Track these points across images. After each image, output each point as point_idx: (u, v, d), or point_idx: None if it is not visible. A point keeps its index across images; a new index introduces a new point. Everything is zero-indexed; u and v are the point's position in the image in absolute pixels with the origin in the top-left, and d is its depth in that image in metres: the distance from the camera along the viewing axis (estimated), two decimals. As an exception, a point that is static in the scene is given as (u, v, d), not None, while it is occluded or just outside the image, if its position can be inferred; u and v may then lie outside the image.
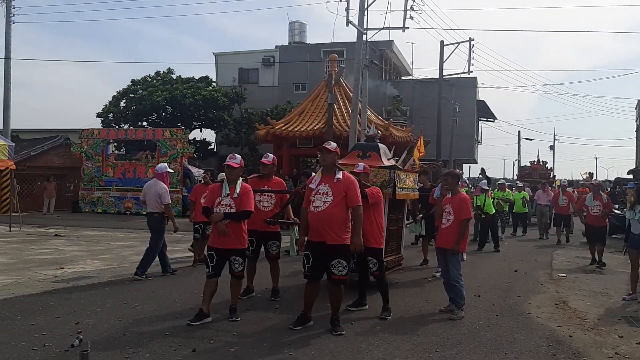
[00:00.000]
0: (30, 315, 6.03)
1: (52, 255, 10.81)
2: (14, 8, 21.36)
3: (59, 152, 24.23)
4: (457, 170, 8.59)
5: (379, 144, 8.42)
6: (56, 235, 14.40)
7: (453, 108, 30.06)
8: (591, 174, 25.17)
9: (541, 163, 26.49)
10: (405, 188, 8.02)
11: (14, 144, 16.10)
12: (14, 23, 20.79)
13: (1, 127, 20.37)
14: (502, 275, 9.83)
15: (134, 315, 6.16)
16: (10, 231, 14.81)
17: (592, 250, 11.60)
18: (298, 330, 5.66)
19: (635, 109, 40.76)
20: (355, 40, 17.01)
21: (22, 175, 21.20)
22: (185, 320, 5.88)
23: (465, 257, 6.92)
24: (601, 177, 43.74)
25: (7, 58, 20.25)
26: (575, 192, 20.64)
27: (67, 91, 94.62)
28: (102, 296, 7.08)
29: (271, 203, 7.21)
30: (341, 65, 19.90)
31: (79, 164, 23.18)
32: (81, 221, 18.67)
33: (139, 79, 31.06)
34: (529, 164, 27.30)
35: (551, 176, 25.69)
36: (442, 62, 28.52)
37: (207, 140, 33.35)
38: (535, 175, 25.32)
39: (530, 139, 54.29)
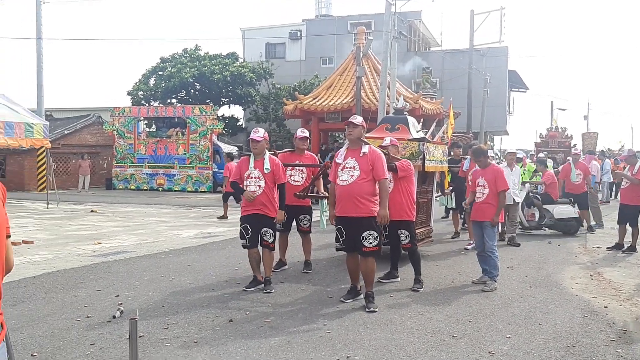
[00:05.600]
0: (72, 288, 6.24)
1: (89, 230, 11.11)
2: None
3: (92, 130, 24.73)
4: (483, 144, 8.29)
5: (408, 117, 8.38)
6: (92, 211, 14.77)
7: (484, 79, 29.49)
8: (622, 144, 24.00)
9: (560, 130, 23.24)
10: (434, 160, 7.98)
11: (48, 123, 16.45)
12: (44, 3, 21.07)
13: (35, 107, 20.80)
14: (534, 247, 9.73)
15: (171, 287, 6.33)
16: (47, 208, 15.25)
17: (622, 233, 9.44)
18: (331, 302, 5.74)
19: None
20: (383, 11, 16.76)
21: (57, 154, 21.75)
22: (220, 292, 6.03)
23: (500, 228, 6.88)
24: (637, 147, 42.54)
25: (39, 38, 20.57)
26: (611, 162, 20.00)
27: (97, 70, 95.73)
28: (140, 270, 7.28)
29: (302, 177, 7.25)
30: (369, 38, 19.56)
31: (112, 141, 23.65)
32: (115, 198, 19.08)
33: (168, 56, 31.27)
34: (546, 131, 23.69)
35: (572, 145, 21.55)
36: (472, 31, 27.91)
37: (235, 116, 33.52)
38: (554, 143, 22.10)
39: (564, 109, 53.01)
